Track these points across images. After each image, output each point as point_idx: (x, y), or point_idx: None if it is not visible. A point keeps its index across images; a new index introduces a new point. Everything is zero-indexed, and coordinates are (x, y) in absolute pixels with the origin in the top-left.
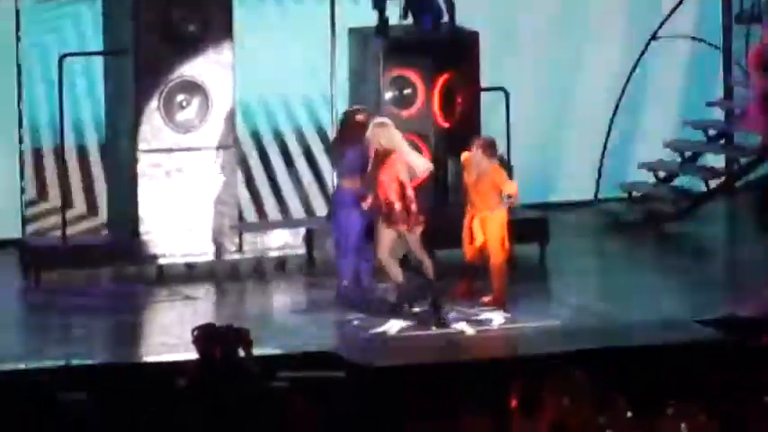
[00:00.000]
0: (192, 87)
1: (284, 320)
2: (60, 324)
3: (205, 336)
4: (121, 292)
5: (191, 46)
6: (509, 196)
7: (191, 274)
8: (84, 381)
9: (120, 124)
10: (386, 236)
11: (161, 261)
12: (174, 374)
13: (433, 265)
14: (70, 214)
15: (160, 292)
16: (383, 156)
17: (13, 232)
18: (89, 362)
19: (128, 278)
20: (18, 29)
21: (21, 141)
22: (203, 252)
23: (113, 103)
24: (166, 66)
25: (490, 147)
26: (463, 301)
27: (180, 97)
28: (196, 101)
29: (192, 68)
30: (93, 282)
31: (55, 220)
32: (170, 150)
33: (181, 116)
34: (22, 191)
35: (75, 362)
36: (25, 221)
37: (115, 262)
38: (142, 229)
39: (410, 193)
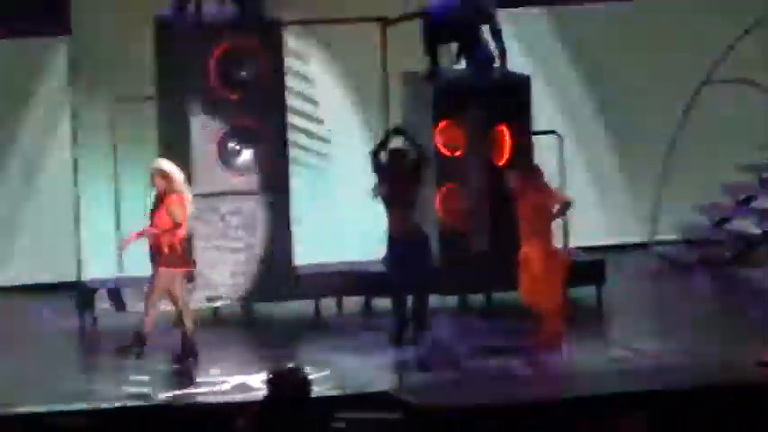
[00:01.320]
0: (246, 132)
1: (342, 362)
2: (118, 365)
3: (277, 378)
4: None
5: (244, 91)
6: None
7: (246, 316)
8: (142, 422)
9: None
10: (156, 277)
11: (216, 303)
12: (232, 416)
13: (190, 316)
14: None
15: (215, 334)
16: (162, 197)
17: (70, 275)
18: (148, 403)
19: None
20: (72, 72)
21: (76, 185)
22: (258, 294)
23: (168, 148)
24: (221, 110)
25: (528, 172)
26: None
27: (234, 142)
28: (250, 145)
29: (246, 113)
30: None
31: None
32: (224, 194)
33: (235, 160)
34: (78, 234)
35: (131, 403)
36: (81, 264)
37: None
38: (197, 271)
39: (180, 236)
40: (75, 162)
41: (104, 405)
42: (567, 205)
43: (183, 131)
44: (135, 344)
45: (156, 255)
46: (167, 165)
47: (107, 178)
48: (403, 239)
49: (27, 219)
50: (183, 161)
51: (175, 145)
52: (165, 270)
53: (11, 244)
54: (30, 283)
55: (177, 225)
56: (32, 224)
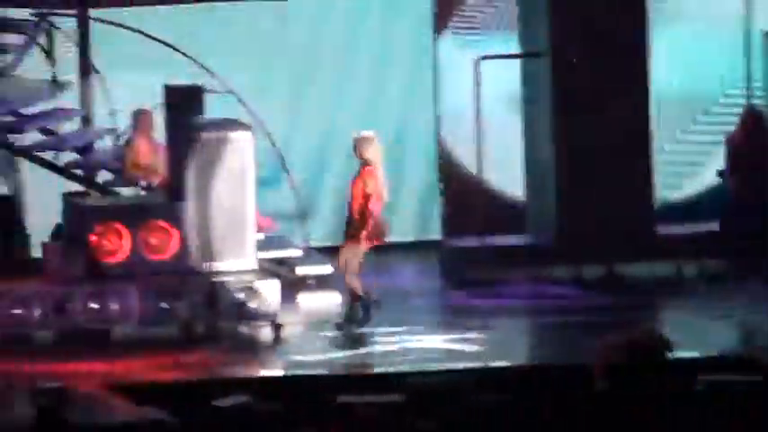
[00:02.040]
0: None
1: (703, 325)
2: (481, 325)
3: (635, 340)
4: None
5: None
6: None
7: (609, 277)
8: (502, 382)
9: (538, 127)
10: (344, 248)
11: (580, 264)
12: (590, 377)
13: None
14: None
15: (579, 296)
16: (360, 167)
17: (434, 234)
18: (507, 363)
19: (549, 280)
20: (436, 31)
21: (438, 144)
22: (623, 255)
23: (531, 106)
24: (583, 68)
25: None
26: None
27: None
28: (614, 101)
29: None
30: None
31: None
32: (589, 151)
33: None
34: (441, 193)
35: (493, 364)
36: (445, 223)
37: (536, 263)
38: (563, 231)
39: (372, 208)
40: (438, 120)
41: (467, 365)
42: None
43: (545, 90)
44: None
45: (348, 225)
46: (367, 135)
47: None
48: (745, 202)
49: (392, 177)
50: (543, 117)
51: (539, 104)
52: (354, 241)
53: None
54: (395, 241)
55: (368, 196)
56: (398, 182)
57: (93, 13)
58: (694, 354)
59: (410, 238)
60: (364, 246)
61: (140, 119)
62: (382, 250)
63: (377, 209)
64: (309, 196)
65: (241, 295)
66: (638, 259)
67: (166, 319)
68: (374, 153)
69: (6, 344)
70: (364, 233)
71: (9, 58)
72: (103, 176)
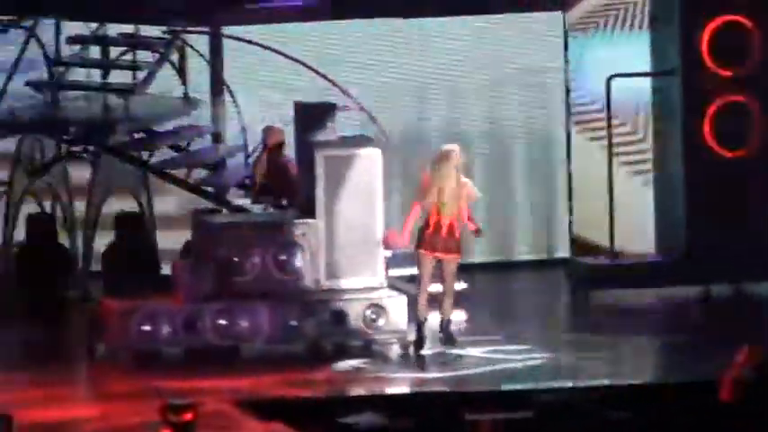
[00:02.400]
0: (739, 110)
1: None
2: (608, 343)
3: (754, 357)
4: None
5: (737, 67)
6: None
7: (737, 296)
8: (628, 400)
9: (668, 143)
10: (422, 262)
11: (709, 282)
12: (714, 392)
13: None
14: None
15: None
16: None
17: (563, 252)
18: (634, 381)
19: (675, 299)
20: (566, 49)
21: (569, 160)
22: (751, 274)
23: (662, 121)
24: (714, 86)
25: None
26: None
27: (728, 118)
28: (745, 116)
29: (739, 90)
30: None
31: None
32: (719, 168)
33: (728, 136)
34: (570, 212)
35: (619, 381)
36: (573, 241)
37: (663, 282)
38: (692, 249)
39: (448, 222)
40: (569, 137)
41: (594, 383)
42: None
43: (675, 108)
44: (418, 334)
45: (421, 237)
46: (444, 149)
47: (599, 151)
48: None
49: (523, 193)
50: (673, 133)
51: (668, 122)
52: (421, 252)
53: (506, 221)
54: (525, 258)
55: (421, 205)
56: (527, 199)
57: (225, 30)
58: None
59: (540, 256)
60: (431, 256)
61: (271, 136)
62: (510, 267)
63: (433, 220)
64: None
65: (369, 312)
66: (766, 278)
67: (295, 336)
68: (442, 166)
69: (137, 360)
70: (422, 241)
71: (141, 75)
72: (234, 194)
